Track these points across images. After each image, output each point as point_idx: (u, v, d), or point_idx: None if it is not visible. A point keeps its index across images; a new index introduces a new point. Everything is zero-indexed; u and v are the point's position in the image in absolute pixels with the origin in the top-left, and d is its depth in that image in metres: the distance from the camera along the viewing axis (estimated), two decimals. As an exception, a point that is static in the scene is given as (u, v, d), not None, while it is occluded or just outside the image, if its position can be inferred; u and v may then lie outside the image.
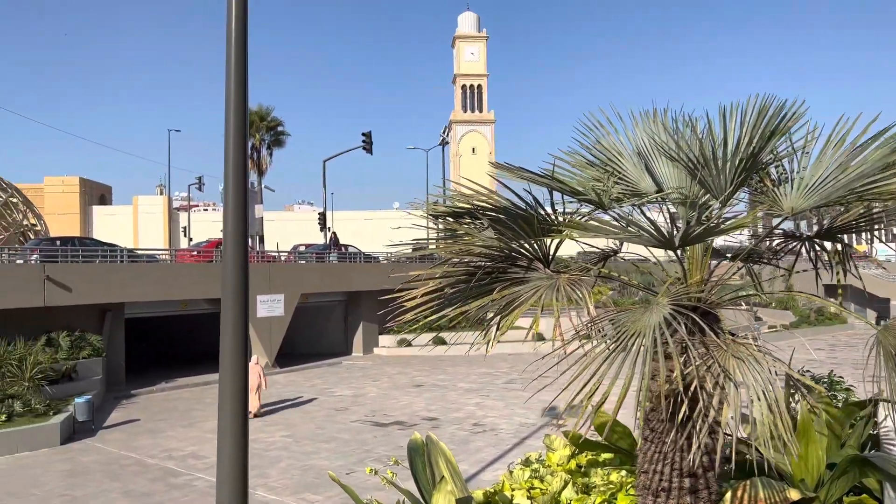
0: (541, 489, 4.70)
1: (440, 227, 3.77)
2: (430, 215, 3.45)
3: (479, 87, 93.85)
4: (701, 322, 2.94)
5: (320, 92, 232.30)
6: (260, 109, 50.64)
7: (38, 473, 16.24)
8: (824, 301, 3.30)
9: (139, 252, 30.61)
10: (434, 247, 3.40)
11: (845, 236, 3.55)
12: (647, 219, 3.13)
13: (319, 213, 49.16)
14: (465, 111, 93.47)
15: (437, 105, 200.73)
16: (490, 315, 3.43)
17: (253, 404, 21.65)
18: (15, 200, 43.38)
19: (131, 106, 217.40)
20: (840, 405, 5.27)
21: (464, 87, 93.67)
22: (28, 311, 23.29)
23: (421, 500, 4.03)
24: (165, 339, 39.19)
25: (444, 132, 58.89)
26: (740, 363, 2.78)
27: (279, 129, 52.15)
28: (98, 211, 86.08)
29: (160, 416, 22.46)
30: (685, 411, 2.90)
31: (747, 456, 4.04)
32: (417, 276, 3.43)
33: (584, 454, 5.41)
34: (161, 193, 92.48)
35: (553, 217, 3.26)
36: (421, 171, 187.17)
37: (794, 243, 3.61)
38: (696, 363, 2.79)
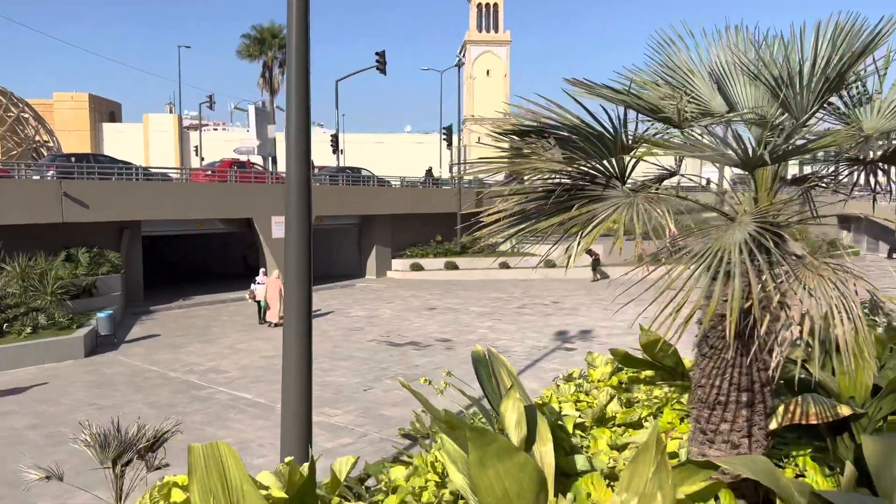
0: (587, 402, 4.85)
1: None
2: (496, 133, 3.40)
3: (496, 5, 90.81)
4: (788, 238, 2.95)
5: (333, 10, 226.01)
6: (272, 26, 49.50)
7: (65, 384, 16.75)
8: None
9: (153, 170, 30.56)
10: (508, 164, 3.37)
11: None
12: (734, 137, 3.10)
13: (332, 135, 48.70)
14: (481, 31, 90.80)
15: (451, 26, 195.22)
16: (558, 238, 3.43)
17: (275, 314, 23.51)
18: (26, 116, 43.15)
19: (140, 22, 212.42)
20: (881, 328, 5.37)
21: (479, 5, 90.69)
22: (47, 227, 23.51)
23: (488, 405, 4.18)
24: (182, 258, 39.72)
25: (460, 52, 57.54)
26: (822, 280, 2.79)
27: (291, 47, 51.01)
28: (108, 128, 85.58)
29: (179, 332, 22.95)
30: (751, 328, 2.95)
31: (790, 374, 4.17)
32: (500, 192, 3.42)
33: (624, 371, 5.56)
34: (170, 112, 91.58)
35: (628, 135, 3.21)
36: (435, 94, 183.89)
37: (854, 168, 3.56)
38: (780, 280, 2.82)
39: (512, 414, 3.28)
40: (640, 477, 1.88)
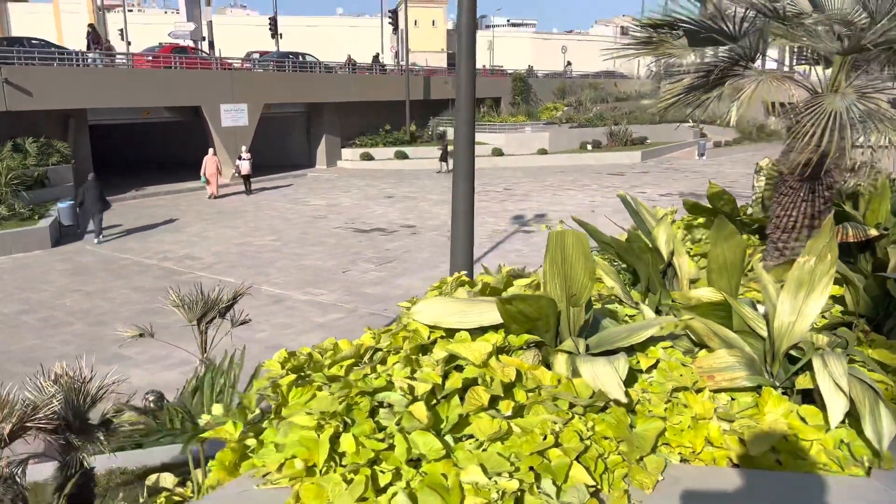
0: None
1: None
2: (642, 24, 4.17)
3: None
4: (881, 106, 3.89)
5: None
6: None
7: (41, 272, 16.85)
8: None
9: (90, 56, 29.04)
10: (661, 50, 4.15)
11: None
12: (829, 31, 3.94)
13: (270, 19, 46.84)
14: None
15: None
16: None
17: (214, 188, 27.39)
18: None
19: None
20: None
21: None
22: (-12, 116, 22.57)
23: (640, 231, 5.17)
24: (131, 149, 38.63)
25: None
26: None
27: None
28: (14, 8, 78.62)
29: (141, 222, 22.91)
30: (817, 170, 4.02)
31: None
32: (678, 72, 4.23)
33: (681, 219, 6.83)
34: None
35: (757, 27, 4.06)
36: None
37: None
38: (869, 133, 3.81)
39: (662, 235, 4.49)
40: (818, 244, 2.95)
